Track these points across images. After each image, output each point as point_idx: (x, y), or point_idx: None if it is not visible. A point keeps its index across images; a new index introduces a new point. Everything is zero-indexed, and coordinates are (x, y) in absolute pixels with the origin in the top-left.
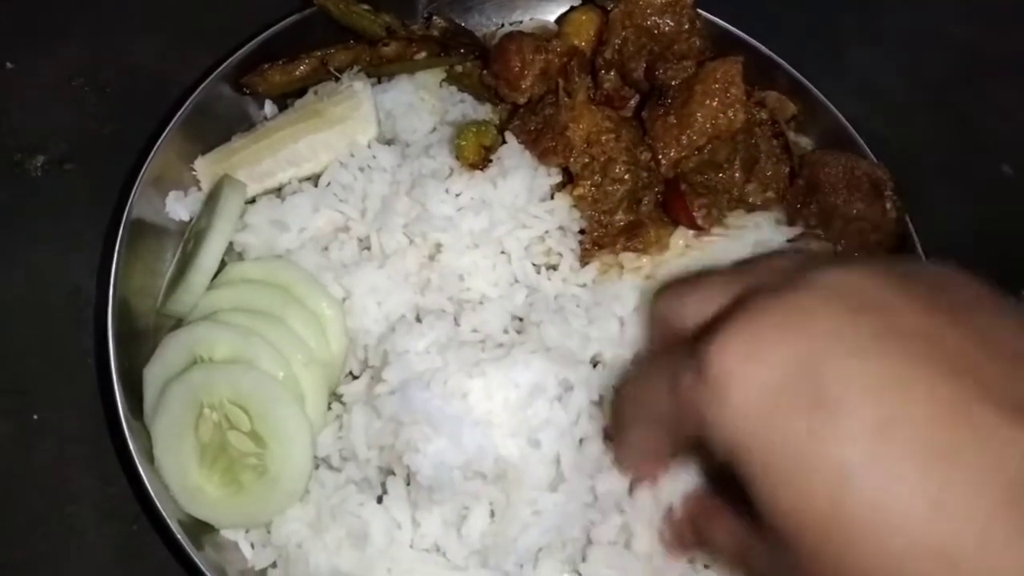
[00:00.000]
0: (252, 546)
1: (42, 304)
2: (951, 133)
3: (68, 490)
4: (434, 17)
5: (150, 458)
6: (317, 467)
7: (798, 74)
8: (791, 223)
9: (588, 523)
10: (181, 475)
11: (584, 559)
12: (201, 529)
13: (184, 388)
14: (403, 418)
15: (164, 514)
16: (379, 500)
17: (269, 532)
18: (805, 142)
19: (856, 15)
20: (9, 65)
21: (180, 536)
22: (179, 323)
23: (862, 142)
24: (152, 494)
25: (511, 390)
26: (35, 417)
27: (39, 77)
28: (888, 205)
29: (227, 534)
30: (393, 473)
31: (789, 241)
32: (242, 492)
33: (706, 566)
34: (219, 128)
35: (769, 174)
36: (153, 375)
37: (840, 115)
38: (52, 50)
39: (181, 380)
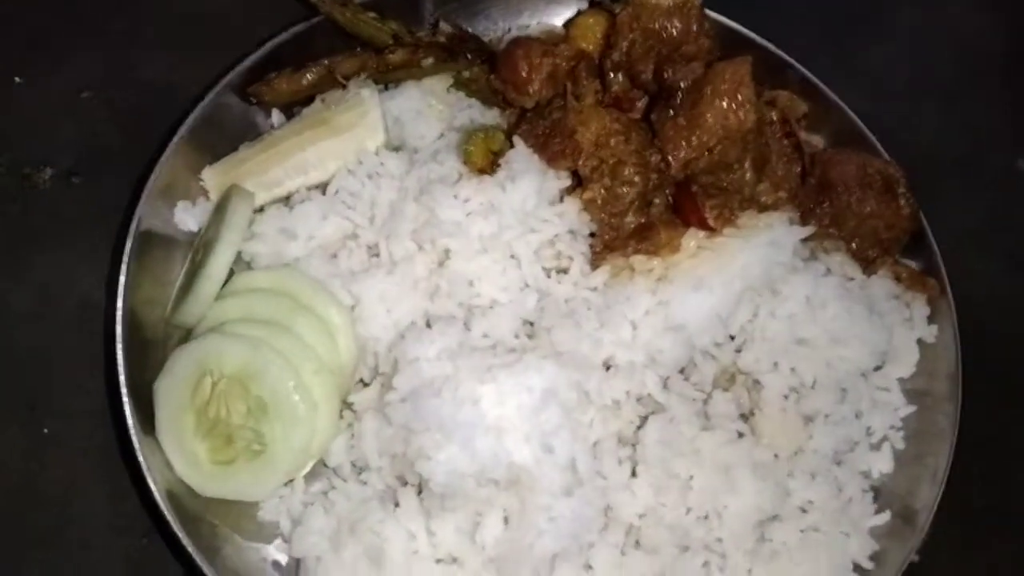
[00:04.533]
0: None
1: (51, 316)
2: (964, 129)
3: (79, 504)
4: (440, 23)
5: (161, 473)
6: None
7: (808, 73)
8: (804, 222)
9: (603, 526)
10: (178, 439)
11: (589, 565)
12: (213, 543)
13: (190, 354)
14: (414, 425)
15: (176, 529)
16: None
17: (289, 543)
18: (817, 141)
19: (866, 12)
20: (18, 80)
21: (192, 550)
22: (188, 333)
23: (874, 139)
24: (164, 510)
25: (523, 395)
26: (45, 431)
27: (48, 91)
28: (902, 203)
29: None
30: (406, 483)
31: (802, 241)
32: (236, 466)
33: (721, 569)
34: (227, 138)
35: (780, 174)
36: (163, 389)
37: (851, 113)
38: (61, 64)
39: (189, 346)
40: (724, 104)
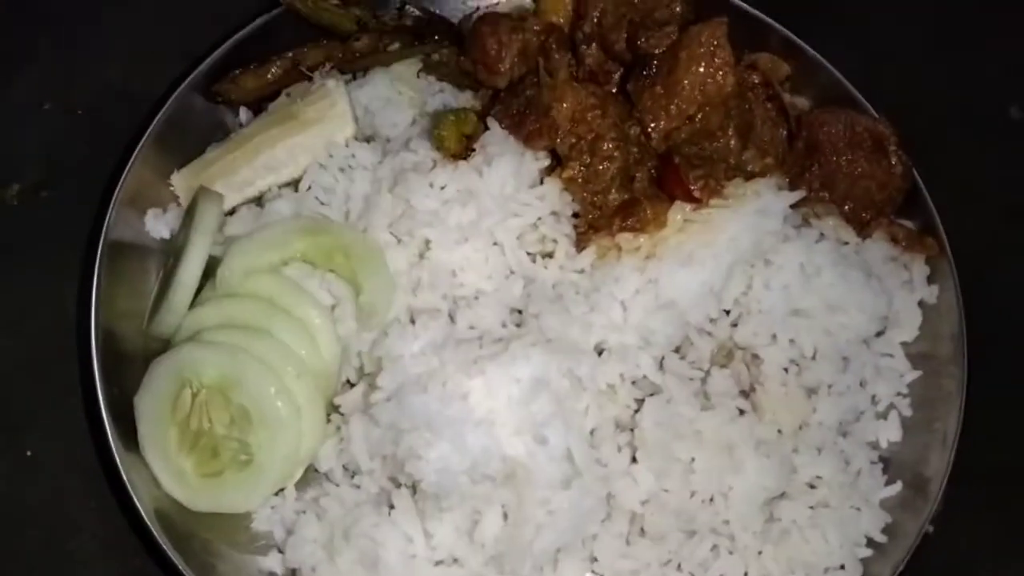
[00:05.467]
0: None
1: (26, 335)
2: (953, 79)
3: (67, 525)
4: (406, 6)
5: (148, 490)
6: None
7: (789, 32)
8: (793, 188)
9: (606, 516)
10: (162, 454)
11: (594, 556)
12: (207, 559)
13: (167, 366)
14: (402, 425)
15: (166, 548)
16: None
17: (283, 553)
18: (802, 102)
19: None
20: None
21: (184, 569)
22: (167, 345)
23: (861, 97)
24: (152, 530)
25: (512, 386)
26: (28, 453)
27: (7, 104)
28: (893, 161)
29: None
30: (399, 484)
31: (793, 207)
32: (224, 478)
33: (731, 552)
34: (194, 140)
35: (766, 139)
36: (143, 404)
37: (836, 71)
38: (18, 76)
39: (165, 358)
40: (701, 68)
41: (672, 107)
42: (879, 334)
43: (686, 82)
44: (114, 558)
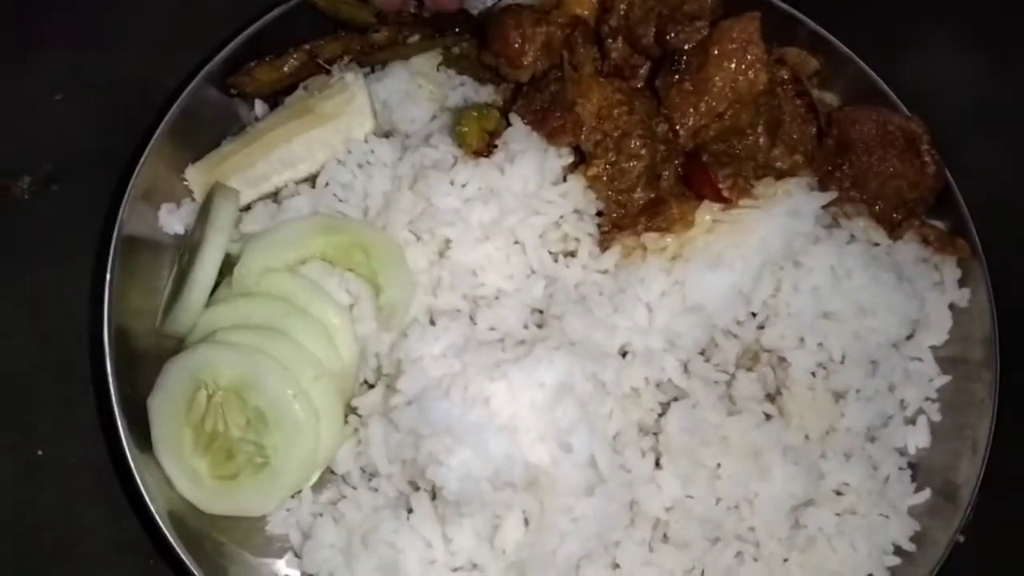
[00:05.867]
0: None
1: (38, 333)
2: (986, 77)
3: (80, 527)
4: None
5: (161, 491)
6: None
7: (817, 26)
8: (824, 187)
9: (629, 522)
10: (176, 456)
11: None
12: (220, 562)
13: (182, 367)
14: (423, 430)
15: (179, 550)
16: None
17: (300, 558)
18: (830, 98)
19: None
20: None
21: (197, 572)
22: (181, 344)
23: (892, 94)
24: (165, 531)
25: (536, 391)
26: (39, 453)
27: (18, 95)
28: (926, 160)
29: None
30: (418, 488)
31: (823, 208)
32: (239, 480)
33: (755, 560)
34: (209, 133)
35: (795, 136)
36: (157, 405)
37: (866, 66)
38: (29, 66)
39: (180, 358)
40: (733, 65)
41: (702, 104)
42: (908, 337)
43: (717, 79)
44: (125, 560)
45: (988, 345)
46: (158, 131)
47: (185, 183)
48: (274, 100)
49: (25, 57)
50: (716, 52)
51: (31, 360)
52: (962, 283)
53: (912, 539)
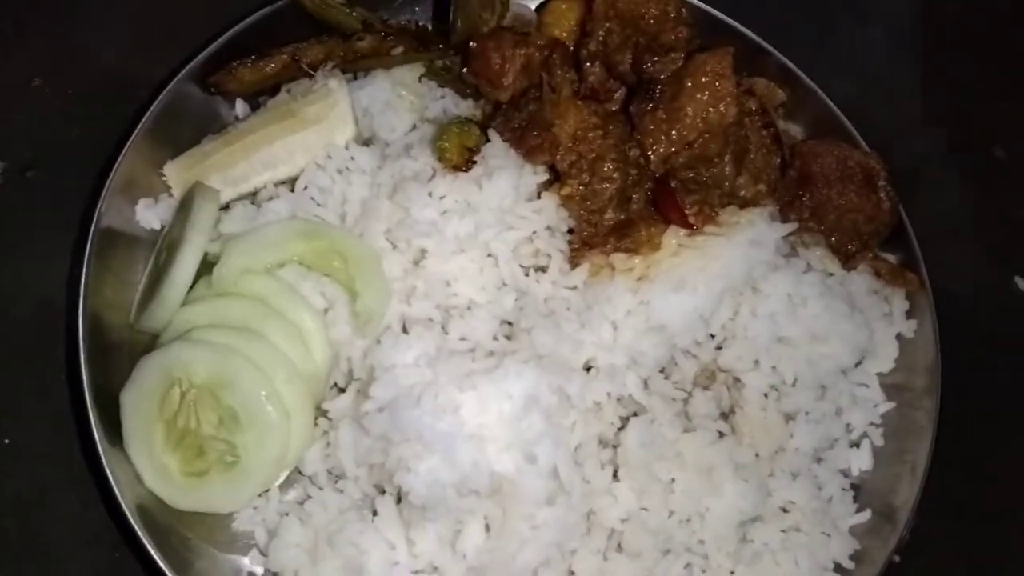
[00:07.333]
0: None
1: (9, 320)
2: (943, 115)
3: (46, 517)
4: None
5: (130, 485)
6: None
7: (786, 59)
8: (785, 217)
9: (585, 531)
10: (147, 451)
11: (571, 571)
12: (186, 556)
13: (157, 363)
14: (393, 436)
15: (147, 544)
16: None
17: (266, 556)
18: (795, 130)
19: None
20: None
21: (163, 565)
22: (154, 339)
23: (853, 130)
24: (134, 525)
25: (504, 402)
26: (6, 441)
27: None
28: (882, 195)
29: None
30: (383, 491)
31: (784, 238)
32: (208, 478)
33: (703, 571)
34: (189, 130)
35: (759, 166)
36: (130, 400)
37: (831, 102)
38: (7, 51)
39: (156, 355)
40: (705, 97)
41: (673, 133)
42: (857, 364)
43: (689, 109)
44: (91, 551)
45: (931, 374)
46: (139, 125)
47: (163, 179)
48: (255, 100)
49: (5, 46)
50: (690, 84)
51: (3, 347)
52: (909, 314)
53: (851, 557)
